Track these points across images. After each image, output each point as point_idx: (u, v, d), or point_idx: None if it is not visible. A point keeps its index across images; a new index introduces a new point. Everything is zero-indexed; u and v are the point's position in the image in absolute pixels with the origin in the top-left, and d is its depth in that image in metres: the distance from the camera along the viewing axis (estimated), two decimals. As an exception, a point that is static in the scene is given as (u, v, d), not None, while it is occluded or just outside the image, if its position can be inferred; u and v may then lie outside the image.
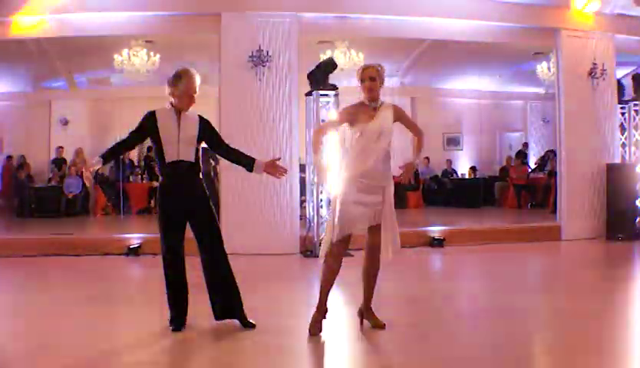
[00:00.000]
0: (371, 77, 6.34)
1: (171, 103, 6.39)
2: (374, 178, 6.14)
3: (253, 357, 5.80)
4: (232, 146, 6.72)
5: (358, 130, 6.17)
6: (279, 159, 6.66)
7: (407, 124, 6.60)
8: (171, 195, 6.34)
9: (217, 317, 6.53)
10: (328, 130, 6.72)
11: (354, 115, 6.28)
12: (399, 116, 6.44)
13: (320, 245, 6.69)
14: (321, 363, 5.76)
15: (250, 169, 6.55)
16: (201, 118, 6.52)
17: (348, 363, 5.72)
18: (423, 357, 5.58)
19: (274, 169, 6.53)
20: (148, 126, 6.34)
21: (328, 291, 6.30)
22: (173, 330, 6.33)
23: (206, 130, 6.50)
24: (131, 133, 6.45)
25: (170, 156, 6.28)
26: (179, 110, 6.37)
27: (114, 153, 6.70)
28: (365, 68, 6.41)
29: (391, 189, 6.27)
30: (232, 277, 6.52)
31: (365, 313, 6.49)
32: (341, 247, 6.25)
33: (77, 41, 14.01)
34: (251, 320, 6.49)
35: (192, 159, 6.37)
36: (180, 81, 6.33)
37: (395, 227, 6.27)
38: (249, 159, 6.57)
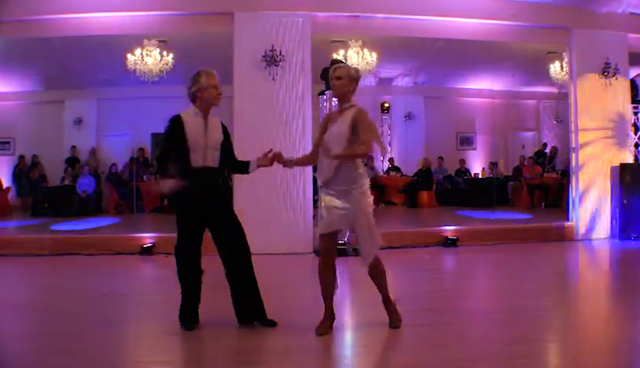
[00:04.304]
0: (337, 77, 6.26)
1: (196, 107, 6.40)
2: (338, 183, 6.14)
3: (267, 356, 5.81)
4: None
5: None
6: (270, 151, 6.63)
7: (359, 131, 6.07)
8: (196, 201, 6.30)
9: (242, 322, 6.56)
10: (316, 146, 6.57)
11: (325, 123, 6.35)
12: (356, 120, 6.10)
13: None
14: (333, 363, 5.77)
15: (247, 171, 6.62)
16: (222, 124, 6.56)
17: (361, 363, 5.72)
18: (436, 357, 5.58)
19: (265, 160, 6.55)
20: (177, 133, 6.28)
21: (326, 296, 6.34)
22: (186, 330, 6.36)
23: (226, 137, 6.55)
24: (167, 146, 6.40)
25: (196, 161, 6.28)
26: (205, 114, 6.38)
27: (165, 167, 6.48)
28: (335, 68, 6.36)
29: (360, 194, 6.13)
30: (255, 280, 6.56)
31: (385, 308, 6.49)
32: (322, 245, 6.35)
33: (90, 40, 14.05)
34: (271, 319, 6.54)
35: (216, 164, 6.39)
36: (200, 76, 6.37)
37: (368, 237, 6.16)
38: (245, 163, 6.61)
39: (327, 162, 6.17)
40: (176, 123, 6.32)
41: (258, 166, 6.60)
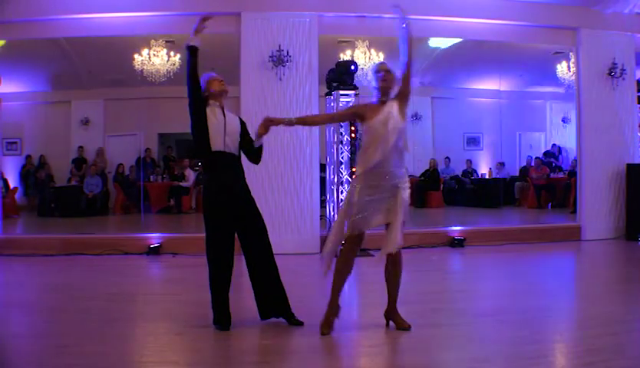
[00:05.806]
0: (386, 70, 6.37)
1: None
2: (385, 175, 6.16)
3: (273, 356, 5.81)
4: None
5: (367, 125, 6.26)
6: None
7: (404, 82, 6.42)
8: (219, 188, 6.40)
9: (264, 316, 6.61)
10: (332, 119, 6.66)
11: (363, 110, 6.40)
12: (399, 98, 6.35)
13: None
14: (340, 363, 5.77)
15: (256, 148, 6.78)
16: (240, 118, 6.81)
17: (369, 363, 5.71)
18: (444, 357, 5.57)
19: (260, 129, 6.67)
20: (202, 105, 6.49)
21: (338, 291, 6.32)
22: (220, 329, 6.35)
23: (245, 130, 6.76)
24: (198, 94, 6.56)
25: (216, 145, 6.40)
26: (220, 104, 6.60)
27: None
28: (381, 63, 6.49)
29: (403, 190, 6.25)
30: (279, 275, 6.62)
31: (390, 314, 6.47)
32: (352, 246, 6.28)
33: (97, 41, 14.08)
34: (298, 318, 6.58)
35: (236, 152, 6.56)
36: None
37: (399, 229, 6.20)
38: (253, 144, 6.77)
39: (378, 149, 6.18)
40: (202, 100, 6.55)
41: (259, 136, 6.70)
